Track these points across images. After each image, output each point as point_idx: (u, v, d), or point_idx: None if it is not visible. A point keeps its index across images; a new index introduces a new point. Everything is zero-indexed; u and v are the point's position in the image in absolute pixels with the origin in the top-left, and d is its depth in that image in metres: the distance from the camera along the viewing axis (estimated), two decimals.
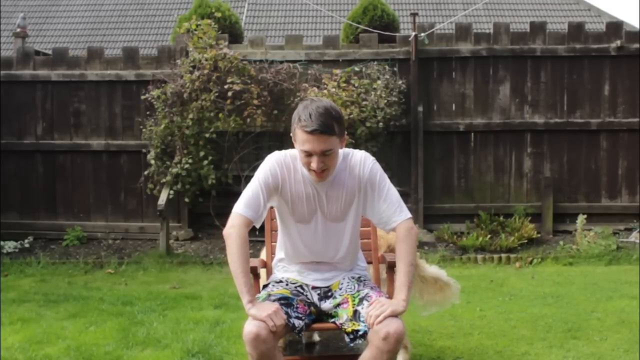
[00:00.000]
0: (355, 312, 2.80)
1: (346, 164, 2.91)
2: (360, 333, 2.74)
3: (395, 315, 2.65)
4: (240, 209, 2.83)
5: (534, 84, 8.01)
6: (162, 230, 7.47)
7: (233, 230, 2.79)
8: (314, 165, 2.76)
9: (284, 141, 7.23)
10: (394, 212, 2.89)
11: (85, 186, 8.14)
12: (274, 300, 2.79)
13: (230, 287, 6.01)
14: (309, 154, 2.76)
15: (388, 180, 2.94)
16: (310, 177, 2.86)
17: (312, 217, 2.93)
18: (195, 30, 7.70)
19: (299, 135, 2.76)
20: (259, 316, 2.63)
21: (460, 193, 8.07)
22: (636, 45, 7.90)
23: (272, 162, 2.90)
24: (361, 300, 2.84)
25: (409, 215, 2.91)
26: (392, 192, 2.91)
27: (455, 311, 5.14)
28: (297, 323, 2.78)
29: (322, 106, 2.74)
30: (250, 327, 2.63)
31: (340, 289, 2.97)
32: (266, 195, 2.85)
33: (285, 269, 3.08)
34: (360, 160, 2.92)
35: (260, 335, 2.62)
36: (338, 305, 2.90)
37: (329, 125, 2.72)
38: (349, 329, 2.78)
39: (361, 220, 3.08)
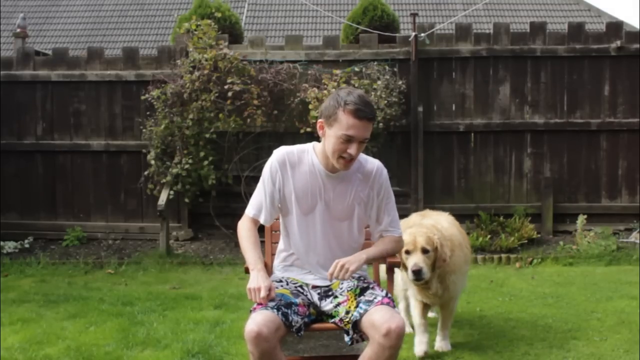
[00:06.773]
0: (357, 301, 2.83)
1: (359, 167, 2.97)
2: (353, 319, 2.76)
3: (354, 264, 2.80)
4: (247, 211, 3.04)
5: (534, 84, 8.00)
6: (162, 230, 7.47)
7: (241, 225, 3.02)
8: (352, 151, 2.81)
9: (284, 141, 7.10)
10: (391, 227, 3.05)
11: (85, 186, 8.14)
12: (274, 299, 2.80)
13: (230, 287, 6.03)
14: (349, 140, 2.79)
15: (393, 196, 3.07)
16: (322, 170, 2.93)
17: (314, 209, 2.95)
18: (195, 30, 7.70)
19: (344, 119, 2.77)
20: (250, 286, 2.74)
21: (460, 193, 8.07)
22: (636, 45, 7.90)
23: (273, 160, 2.98)
24: (362, 290, 2.87)
25: (402, 233, 3.12)
26: (394, 208, 3.05)
27: (456, 311, 5.14)
28: (296, 323, 2.78)
29: (364, 94, 2.85)
30: (252, 326, 2.65)
31: (341, 288, 2.98)
32: (268, 194, 2.96)
33: (286, 268, 3.09)
34: (378, 169, 3.01)
35: (262, 334, 2.63)
36: (339, 304, 2.90)
37: (374, 113, 2.86)
38: (346, 320, 2.80)
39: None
